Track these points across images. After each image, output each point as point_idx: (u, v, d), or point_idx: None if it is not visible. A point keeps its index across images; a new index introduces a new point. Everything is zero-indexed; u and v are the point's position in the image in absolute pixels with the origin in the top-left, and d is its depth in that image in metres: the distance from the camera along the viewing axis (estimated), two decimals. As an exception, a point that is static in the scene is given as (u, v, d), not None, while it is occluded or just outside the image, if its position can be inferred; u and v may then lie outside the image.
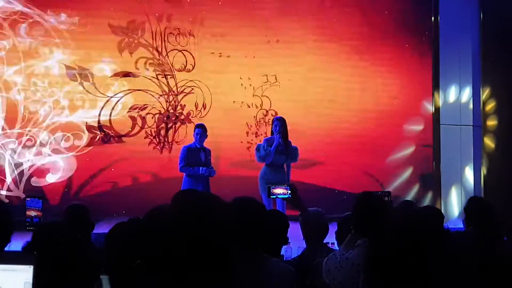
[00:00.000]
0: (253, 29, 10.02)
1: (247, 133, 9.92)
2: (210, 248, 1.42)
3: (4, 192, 8.69)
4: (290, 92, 10.14)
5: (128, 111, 9.44)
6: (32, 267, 1.76)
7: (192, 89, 9.84)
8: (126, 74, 9.46)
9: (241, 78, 9.95)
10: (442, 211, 7.74)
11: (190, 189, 1.80)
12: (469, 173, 10.89)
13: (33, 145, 8.99)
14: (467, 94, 11.06)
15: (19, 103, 8.98)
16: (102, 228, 4.64)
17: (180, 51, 9.77)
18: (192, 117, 9.74)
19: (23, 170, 8.94)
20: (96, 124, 9.30)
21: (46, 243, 2.63)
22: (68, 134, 9.16)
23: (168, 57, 9.72)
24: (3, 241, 2.93)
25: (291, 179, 8.13)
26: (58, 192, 8.96)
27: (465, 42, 10.93)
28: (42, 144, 9.02)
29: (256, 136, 9.87)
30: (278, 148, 8.14)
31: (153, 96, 9.59)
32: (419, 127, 10.73)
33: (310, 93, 10.22)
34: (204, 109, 9.85)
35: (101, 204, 8.53)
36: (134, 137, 9.46)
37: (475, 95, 11.05)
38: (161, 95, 9.64)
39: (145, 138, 9.50)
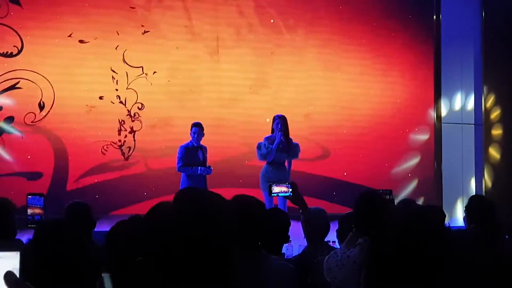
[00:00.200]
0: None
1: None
2: (211, 247, 1.42)
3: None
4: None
5: None
6: (18, 253, 1.75)
7: (19, 81, 9.30)
8: None
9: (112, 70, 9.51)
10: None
11: (191, 187, 1.80)
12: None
13: None
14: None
15: None
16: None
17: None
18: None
19: None
20: None
21: (47, 241, 2.62)
22: None
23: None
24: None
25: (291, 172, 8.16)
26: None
27: (467, 48, 10.91)
28: None
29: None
30: (279, 146, 8.14)
31: None
32: (423, 136, 10.68)
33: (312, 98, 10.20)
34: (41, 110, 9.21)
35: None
36: None
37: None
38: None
39: None
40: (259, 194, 7.46)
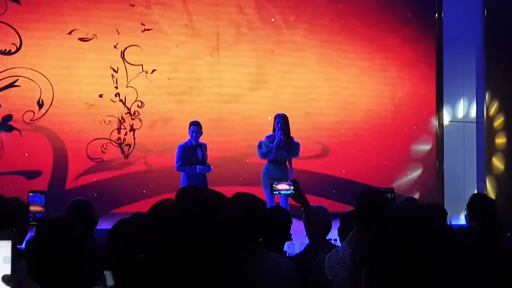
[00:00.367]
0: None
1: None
2: (212, 244, 1.42)
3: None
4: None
5: None
6: (10, 242, 1.74)
7: (17, 79, 9.29)
8: None
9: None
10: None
11: (193, 186, 1.81)
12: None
13: None
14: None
15: None
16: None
17: None
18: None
19: None
20: None
21: (49, 239, 2.64)
22: None
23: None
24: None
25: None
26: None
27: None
28: None
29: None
30: (280, 144, 8.18)
31: None
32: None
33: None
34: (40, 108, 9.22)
35: None
36: None
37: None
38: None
39: None
40: (260, 192, 7.47)
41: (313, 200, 4.51)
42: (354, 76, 10.44)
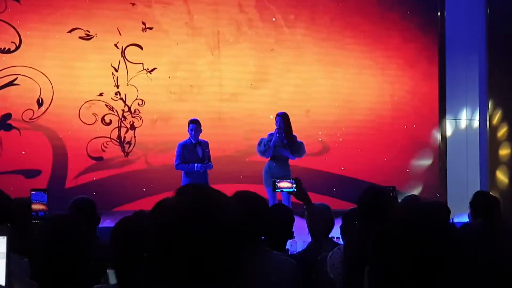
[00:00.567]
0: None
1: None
2: (213, 243, 1.43)
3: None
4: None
5: None
6: (5, 238, 1.73)
7: (16, 78, 9.28)
8: None
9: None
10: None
11: (192, 184, 1.82)
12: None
13: None
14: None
15: None
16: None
17: None
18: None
19: None
20: None
21: (52, 237, 2.66)
22: None
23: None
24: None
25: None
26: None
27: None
28: None
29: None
30: (283, 142, 8.22)
31: None
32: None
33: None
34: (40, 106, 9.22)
35: None
36: None
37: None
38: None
39: None
40: (260, 190, 7.49)
41: (314, 198, 4.53)
42: (354, 75, 10.47)
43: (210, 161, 8.31)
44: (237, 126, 9.91)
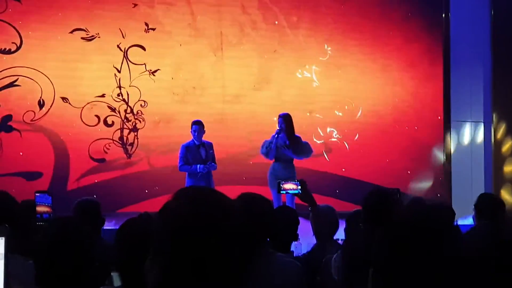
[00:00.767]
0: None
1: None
2: (214, 247, 1.43)
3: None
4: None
5: None
6: (3, 239, 1.76)
7: (17, 79, 9.29)
8: None
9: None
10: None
11: (193, 186, 1.83)
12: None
13: None
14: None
15: None
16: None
17: None
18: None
19: None
20: None
21: (56, 239, 2.68)
22: None
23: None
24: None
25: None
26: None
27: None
28: None
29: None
30: (285, 143, 8.27)
31: None
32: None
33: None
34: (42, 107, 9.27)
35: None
36: None
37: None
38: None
39: None
40: (264, 191, 7.53)
41: (317, 199, 4.55)
42: (357, 76, 10.50)
43: (215, 162, 8.33)
44: (240, 128, 9.94)
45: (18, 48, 9.19)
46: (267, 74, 10.15)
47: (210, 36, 9.91)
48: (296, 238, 4.28)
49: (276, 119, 8.72)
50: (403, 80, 10.70)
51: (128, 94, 9.60)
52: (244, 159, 9.86)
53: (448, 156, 10.79)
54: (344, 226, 4.67)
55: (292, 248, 4.63)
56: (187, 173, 8.29)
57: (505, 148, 10.29)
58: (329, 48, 10.39)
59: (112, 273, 3.06)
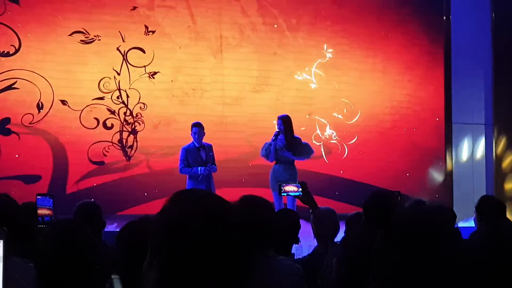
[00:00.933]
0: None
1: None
2: (218, 250, 1.43)
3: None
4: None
5: None
6: (2, 241, 1.76)
7: (16, 81, 9.29)
8: None
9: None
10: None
11: (189, 189, 1.83)
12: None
13: None
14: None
15: None
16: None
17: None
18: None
19: None
20: None
21: (57, 242, 2.70)
22: None
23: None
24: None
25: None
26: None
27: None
28: None
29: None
30: (281, 146, 8.32)
31: None
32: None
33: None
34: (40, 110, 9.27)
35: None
36: None
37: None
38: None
39: None
40: (264, 193, 7.55)
41: (316, 201, 4.58)
42: (356, 78, 10.54)
43: (215, 164, 8.36)
44: (240, 130, 9.97)
45: (16, 51, 9.21)
46: (267, 77, 10.19)
47: (210, 39, 9.94)
48: (297, 241, 4.30)
49: (275, 121, 8.75)
50: (402, 82, 10.74)
51: (127, 97, 9.62)
52: (244, 161, 9.89)
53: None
54: (344, 228, 4.69)
55: (293, 251, 4.64)
56: (187, 175, 8.31)
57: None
58: (329, 51, 10.42)
59: (112, 276, 3.08)
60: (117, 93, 9.59)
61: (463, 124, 10.99)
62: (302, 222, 4.41)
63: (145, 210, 8.61)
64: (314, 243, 4.56)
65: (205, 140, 8.45)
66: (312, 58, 10.39)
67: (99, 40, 9.47)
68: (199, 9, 9.92)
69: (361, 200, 3.92)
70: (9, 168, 9.12)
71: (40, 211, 3.72)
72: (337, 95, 10.47)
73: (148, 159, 9.66)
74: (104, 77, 9.52)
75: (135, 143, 9.62)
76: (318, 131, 10.32)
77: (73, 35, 9.39)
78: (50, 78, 9.30)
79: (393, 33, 10.68)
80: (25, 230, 3.09)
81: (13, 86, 9.20)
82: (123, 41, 9.57)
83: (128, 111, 9.62)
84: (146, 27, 9.69)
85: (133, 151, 9.61)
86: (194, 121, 8.59)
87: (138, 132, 9.65)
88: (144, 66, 9.67)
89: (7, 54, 9.20)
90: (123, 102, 9.61)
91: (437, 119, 10.82)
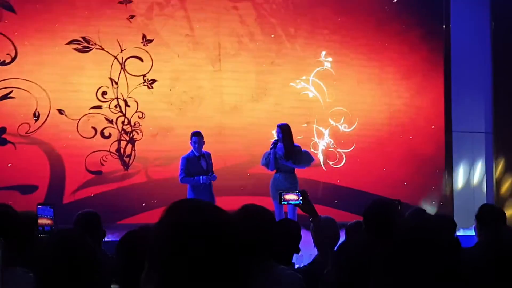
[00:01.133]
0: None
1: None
2: (218, 260, 1.44)
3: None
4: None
5: None
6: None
7: (12, 90, 9.31)
8: None
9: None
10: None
11: (186, 199, 1.85)
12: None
13: None
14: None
15: None
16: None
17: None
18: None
19: None
20: None
21: (57, 251, 2.72)
22: None
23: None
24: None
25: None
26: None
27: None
28: None
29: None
30: (281, 155, 8.36)
31: None
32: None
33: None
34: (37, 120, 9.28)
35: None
36: None
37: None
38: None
39: None
40: (262, 202, 7.55)
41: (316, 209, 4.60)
42: (354, 87, 10.59)
43: (213, 172, 8.39)
44: (238, 139, 10.00)
45: (13, 60, 9.22)
46: (265, 85, 10.23)
47: (208, 48, 9.98)
48: (298, 251, 4.31)
49: (274, 131, 8.79)
50: (400, 91, 10.79)
51: (125, 106, 9.65)
52: (242, 170, 9.91)
53: (450, 171, 10.84)
54: (344, 237, 4.71)
55: (293, 260, 4.66)
56: (189, 185, 8.32)
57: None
58: (327, 59, 10.47)
59: (112, 286, 3.10)
60: (115, 102, 9.61)
61: (463, 132, 11.02)
62: (302, 230, 4.43)
63: (143, 220, 8.64)
64: (315, 252, 4.58)
65: (203, 148, 8.47)
66: (310, 67, 10.44)
67: (97, 48, 9.50)
68: (198, 18, 9.96)
69: (359, 208, 3.94)
70: (5, 178, 9.10)
71: (40, 221, 3.74)
72: (335, 103, 10.51)
73: (146, 168, 9.67)
74: (102, 86, 9.55)
75: (133, 152, 9.63)
76: (316, 140, 10.36)
77: (70, 43, 9.42)
78: (47, 87, 9.31)
79: (392, 42, 10.74)
80: (25, 240, 3.11)
81: (9, 95, 9.20)
82: (121, 49, 9.60)
83: (126, 120, 9.64)
84: (144, 35, 9.72)
85: (131, 161, 9.62)
86: (193, 129, 8.61)
87: (136, 141, 9.66)
88: (142, 75, 9.69)
89: (3, 63, 9.21)
90: (121, 111, 9.63)
91: (433, 126, 10.83)
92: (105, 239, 5.06)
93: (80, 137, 9.42)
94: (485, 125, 11.11)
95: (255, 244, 2.81)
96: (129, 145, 9.63)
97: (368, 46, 10.63)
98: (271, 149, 8.39)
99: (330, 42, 10.52)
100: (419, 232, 1.76)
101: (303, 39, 10.44)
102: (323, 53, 10.48)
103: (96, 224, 4.34)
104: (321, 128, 10.44)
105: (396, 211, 3.97)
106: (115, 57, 9.59)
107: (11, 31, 9.24)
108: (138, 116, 9.68)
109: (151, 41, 9.74)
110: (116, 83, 9.58)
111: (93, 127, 9.50)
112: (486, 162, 10.78)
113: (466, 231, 9.01)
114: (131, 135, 9.64)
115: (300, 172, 8.79)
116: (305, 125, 10.33)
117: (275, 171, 8.45)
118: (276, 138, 8.45)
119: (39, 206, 3.77)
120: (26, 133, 9.24)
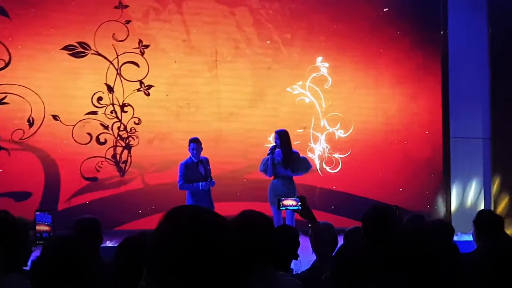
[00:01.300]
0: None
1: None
2: (216, 267, 1.45)
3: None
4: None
5: None
6: None
7: (5, 96, 9.31)
8: None
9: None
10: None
11: (184, 206, 1.86)
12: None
13: None
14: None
15: None
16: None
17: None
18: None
19: None
20: None
21: (55, 258, 2.74)
22: None
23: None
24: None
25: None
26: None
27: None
28: None
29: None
30: (278, 161, 8.38)
31: None
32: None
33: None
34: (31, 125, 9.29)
35: None
36: None
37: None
38: None
39: None
40: (259, 208, 7.56)
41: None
42: (350, 94, 10.63)
43: (212, 178, 8.41)
44: (235, 145, 10.02)
45: (6, 65, 9.22)
46: (262, 91, 10.26)
47: (205, 53, 10.01)
48: (296, 257, 4.33)
49: (270, 137, 8.81)
50: (396, 96, 10.83)
51: (121, 111, 9.66)
52: (239, 176, 9.93)
53: (447, 177, 10.87)
54: (342, 242, 4.73)
55: (292, 266, 4.68)
56: (187, 191, 8.34)
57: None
58: (323, 65, 10.52)
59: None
60: (110, 108, 9.62)
61: (461, 138, 11.05)
62: (300, 236, 4.45)
63: (141, 226, 8.64)
64: (313, 257, 4.59)
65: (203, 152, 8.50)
66: (307, 72, 10.48)
67: (92, 54, 9.51)
68: (194, 23, 9.99)
69: (356, 214, 3.97)
70: (-1, 185, 9.08)
71: (38, 227, 3.76)
72: (331, 109, 10.55)
73: (142, 174, 9.68)
74: (97, 92, 9.56)
75: (129, 158, 9.64)
76: (312, 145, 10.39)
77: (65, 48, 9.42)
78: (41, 92, 9.30)
79: (387, 47, 10.78)
80: (22, 247, 3.13)
81: (3, 101, 9.20)
82: (117, 55, 9.62)
83: (122, 126, 9.64)
84: (141, 41, 9.74)
85: (127, 167, 9.62)
86: (189, 135, 8.62)
87: (133, 147, 9.67)
88: (139, 81, 9.70)
89: (-3, 68, 9.20)
90: (117, 117, 9.64)
91: (427, 132, 10.86)
92: (103, 245, 5.08)
93: (75, 143, 9.42)
94: (483, 130, 11.14)
95: (253, 250, 2.82)
96: (125, 151, 9.64)
97: (364, 51, 10.68)
98: (268, 155, 8.42)
99: (327, 48, 10.57)
100: (417, 238, 1.78)
101: (300, 45, 10.48)
102: (320, 58, 10.52)
103: (94, 230, 4.36)
104: (317, 133, 10.47)
105: (394, 217, 4.00)
106: (111, 62, 9.61)
107: (5, 36, 9.25)
108: (134, 122, 9.69)
109: (147, 46, 9.75)
110: (112, 89, 9.59)
111: (88, 133, 9.51)
112: (483, 171, 10.80)
113: (463, 236, 9.03)
114: (127, 141, 9.64)
115: (297, 178, 8.82)
116: (302, 130, 10.36)
117: (273, 177, 8.47)
118: (274, 144, 8.48)
119: (37, 213, 3.78)
120: (20, 139, 9.23)
